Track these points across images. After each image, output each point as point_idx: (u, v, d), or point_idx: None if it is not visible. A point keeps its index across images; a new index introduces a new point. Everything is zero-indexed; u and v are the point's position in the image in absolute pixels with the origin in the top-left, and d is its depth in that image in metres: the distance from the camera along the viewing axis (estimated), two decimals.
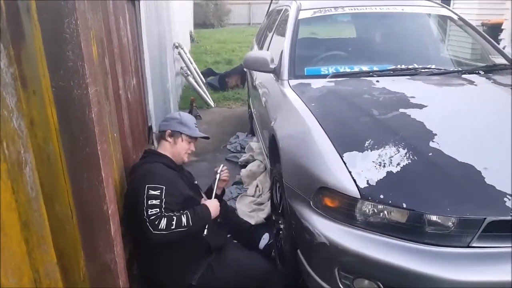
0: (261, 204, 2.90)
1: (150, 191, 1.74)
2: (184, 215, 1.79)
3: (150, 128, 2.99)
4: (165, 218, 1.73)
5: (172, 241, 1.76)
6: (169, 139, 2.05)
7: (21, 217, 0.97)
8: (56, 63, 1.08)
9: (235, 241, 2.29)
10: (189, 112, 5.19)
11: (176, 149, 2.05)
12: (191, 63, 6.27)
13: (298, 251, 1.76)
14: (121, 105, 2.02)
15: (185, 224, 1.76)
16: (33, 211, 1.03)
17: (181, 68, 5.90)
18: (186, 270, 1.89)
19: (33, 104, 1.08)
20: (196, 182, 2.22)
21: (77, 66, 1.08)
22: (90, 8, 1.53)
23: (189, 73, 5.91)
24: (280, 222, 2.19)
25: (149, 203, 1.72)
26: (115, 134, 1.84)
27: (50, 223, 1.12)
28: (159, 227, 1.71)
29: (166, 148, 2.05)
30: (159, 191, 1.76)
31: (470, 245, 1.35)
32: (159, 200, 1.74)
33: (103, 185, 1.16)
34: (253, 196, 3.03)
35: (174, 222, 1.74)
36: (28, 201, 1.01)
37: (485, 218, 1.33)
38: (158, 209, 1.72)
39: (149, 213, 1.71)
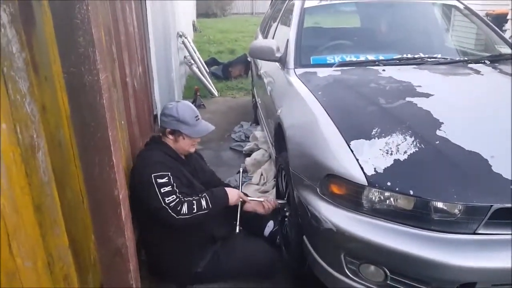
0: (266, 192, 2.91)
1: (158, 179, 1.75)
2: (203, 198, 1.85)
3: (156, 116, 2.99)
4: (186, 203, 1.77)
5: (192, 224, 1.80)
6: (170, 136, 1.95)
7: (35, 200, 0.99)
8: (67, 49, 1.08)
9: (241, 228, 2.30)
10: (193, 102, 5.19)
11: (179, 145, 1.97)
12: (195, 52, 6.25)
13: (304, 237, 1.78)
14: (128, 93, 2.03)
15: (205, 207, 1.83)
16: (46, 195, 1.05)
17: (185, 57, 5.88)
18: (191, 258, 1.92)
19: (45, 90, 1.09)
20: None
21: (88, 52, 1.08)
22: None
23: (192, 62, 5.89)
24: (285, 209, 2.20)
25: (163, 191, 1.74)
26: (122, 122, 1.85)
27: (62, 208, 1.14)
28: (182, 212, 1.75)
29: (169, 142, 1.97)
30: (166, 178, 1.78)
31: (476, 232, 1.36)
32: (170, 186, 1.76)
33: (114, 170, 1.17)
34: (257, 184, 3.05)
35: (195, 206, 1.79)
36: (41, 185, 1.03)
37: (491, 206, 1.34)
38: (174, 195, 1.76)
39: (167, 201, 1.74)
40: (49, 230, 1.06)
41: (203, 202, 1.83)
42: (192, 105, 2.04)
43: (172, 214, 1.74)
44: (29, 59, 0.99)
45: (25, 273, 0.93)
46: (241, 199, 2.05)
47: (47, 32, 1.10)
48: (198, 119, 1.99)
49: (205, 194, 1.88)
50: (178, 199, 1.76)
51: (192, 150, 2.04)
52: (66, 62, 1.10)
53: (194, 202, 1.81)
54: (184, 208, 1.76)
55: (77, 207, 1.27)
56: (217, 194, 1.93)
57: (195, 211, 1.79)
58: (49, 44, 1.11)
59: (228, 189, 2.00)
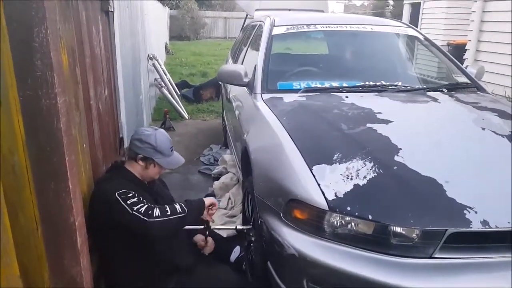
0: (233, 216, 2.90)
1: (122, 196, 1.70)
2: (177, 204, 1.80)
3: (122, 139, 2.94)
4: (157, 208, 1.72)
5: (169, 232, 1.76)
6: (140, 162, 1.90)
7: None
8: (24, 72, 1.07)
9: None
10: (162, 124, 5.15)
11: (147, 173, 1.93)
12: (166, 75, 6.26)
13: (268, 263, 1.77)
14: (92, 115, 1.99)
15: (180, 210, 1.77)
16: None
17: (155, 79, 5.87)
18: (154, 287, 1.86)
19: None
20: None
21: (46, 76, 1.07)
22: (62, 18, 1.52)
23: (163, 84, 5.89)
24: (251, 234, 2.19)
25: (129, 202, 1.69)
26: (84, 145, 1.81)
27: (14, 236, 1.09)
28: (154, 215, 1.69)
29: (135, 169, 1.92)
30: (132, 193, 1.74)
31: (432, 256, 1.40)
32: (137, 198, 1.72)
33: (70, 197, 1.14)
34: (225, 208, 3.03)
35: (168, 210, 1.74)
36: None
37: (446, 230, 1.39)
38: (142, 204, 1.70)
39: (136, 208, 1.68)
40: None
41: (177, 206, 1.78)
42: (168, 136, 2.03)
43: (143, 217, 1.66)
44: None
45: None
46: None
47: (4, 54, 1.08)
48: (173, 150, 2.01)
49: (178, 202, 1.84)
50: (147, 206, 1.70)
51: (157, 177, 2.03)
52: (22, 86, 1.07)
53: (167, 206, 1.75)
54: (156, 212, 1.70)
55: (31, 235, 1.22)
56: (191, 200, 1.89)
57: (168, 213, 1.72)
58: (6, 67, 1.09)
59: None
